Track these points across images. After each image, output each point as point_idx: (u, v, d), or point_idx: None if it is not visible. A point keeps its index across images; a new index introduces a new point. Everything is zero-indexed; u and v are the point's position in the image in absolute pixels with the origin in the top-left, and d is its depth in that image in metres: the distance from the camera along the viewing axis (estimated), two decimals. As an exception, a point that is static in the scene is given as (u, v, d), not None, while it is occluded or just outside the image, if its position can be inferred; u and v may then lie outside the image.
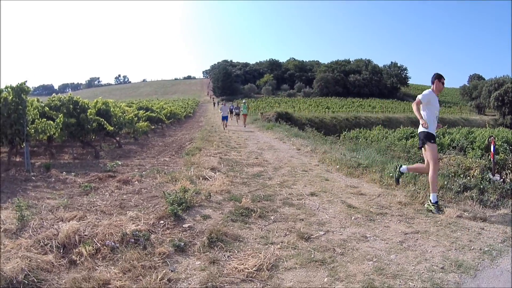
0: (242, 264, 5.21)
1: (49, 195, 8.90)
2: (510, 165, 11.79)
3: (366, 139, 29.89)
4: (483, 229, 7.34)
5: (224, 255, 5.60)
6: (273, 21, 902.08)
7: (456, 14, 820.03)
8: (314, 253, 5.80)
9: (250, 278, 4.94)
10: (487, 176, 10.21)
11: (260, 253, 5.59)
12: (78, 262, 5.16)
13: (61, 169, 11.85)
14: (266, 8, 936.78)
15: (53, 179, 10.65)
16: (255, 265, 5.16)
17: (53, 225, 6.34)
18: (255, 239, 6.36)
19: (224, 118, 33.77)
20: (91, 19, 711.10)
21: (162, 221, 6.75)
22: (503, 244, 6.62)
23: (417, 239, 6.66)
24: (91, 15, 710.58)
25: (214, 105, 78.10)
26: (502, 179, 10.27)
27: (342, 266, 5.41)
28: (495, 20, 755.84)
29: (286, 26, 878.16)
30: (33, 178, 10.76)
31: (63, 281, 4.75)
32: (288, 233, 6.69)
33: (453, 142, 27.35)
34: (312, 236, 6.52)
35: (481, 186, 9.58)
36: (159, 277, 4.79)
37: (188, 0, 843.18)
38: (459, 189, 9.60)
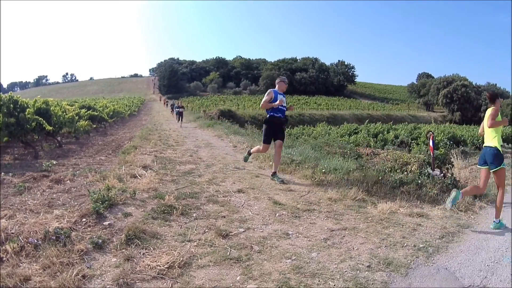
0: (155, 261, 5.27)
1: (-15, 196, 8.83)
2: (451, 159, 11.77)
3: (309, 136, 30.12)
4: (419, 225, 7.34)
5: (140, 252, 5.60)
6: (220, 19, 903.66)
7: (403, 12, 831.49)
8: (230, 250, 5.77)
9: (161, 276, 4.98)
10: (426, 171, 10.33)
11: (175, 251, 5.61)
12: (4, 259, 5.27)
13: (0, 170, 11.67)
14: (214, 6, 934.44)
15: (-9, 180, 10.53)
16: (167, 263, 5.21)
17: (-17, 224, 6.36)
18: (173, 236, 6.35)
19: None
20: (38, 16, 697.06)
21: (84, 219, 6.74)
22: (441, 240, 6.62)
23: (343, 236, 6.58)
24: (38, 13, 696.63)
25: (166, 106, 75.91)
26: (442, 174, 10.36)
27: (257, 264, 5.38)
28: (445, 18, 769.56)
29: (234, 24, 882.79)
30: (-28, 179, 10.63)
31: (-10, 276, 4.85)
32: (207, 230, 6.66)
33: (397, 139, 27.89)
34: (231, 233, 6.48)
35: (419, 181, 9.67)
36: (74, 273, 4.85)
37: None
38: (395, 184, 9.64)
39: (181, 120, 36.78)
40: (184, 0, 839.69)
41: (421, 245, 6.26)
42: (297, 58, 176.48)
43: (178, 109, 38.55)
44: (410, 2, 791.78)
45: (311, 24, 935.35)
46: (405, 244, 6.28)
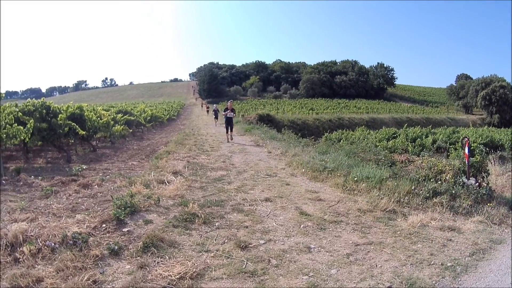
0: (168, 271, 5.22)
1: (12, 198, 9.08)
2: (487, 167, 10.99)
3: (347, 140, 29.85)
4: (450, 240, 6.92)
5: (154, 261, 5.56)
6: (260, 23, 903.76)
7: (444, 14, 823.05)
8: (247, 263, 5.64)
9: (171, 286, 4.91)
10: (461, 180, 9.79)
11: (190, 261, 5.54)
12: (20, 260, 5.45)
13: (32, 173, 11.92)
14: (253, 10, 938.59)
15: (21, 183, 10.78)
16: (179, 273, 5.15)
17: (7, 225, 6.53)
18: (191, 246, 6.28)
19: None
20: (78, 21, 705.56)
21: (104, 225, 6.80)
22: (471, 257, 6.17)
23: (368, 252, 6.29)
24: (79, 18, 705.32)
25: (207, 112, 69.92)
26: (477, 183, 9.70)
27: (272, 279, 5.21)
28: (484, 19, 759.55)
29: (273, 28, 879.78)
30: (3, 181, 10.94)
31: (5, 276, 5.02)
32: (227, 241, 6.55)
33: (435, 143, 27.36)
34: (250, 245, 6.34)
35: (453, 191, 9.16)
36: (85, 278, 4.90)
37: (176, 2, 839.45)
38: (428, 195, 9.19)
39: (231, 131, 24.34)
40: (223, 1, 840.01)
41: (449, 264, 5.86)
42: (337, 61, 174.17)
43: (226, 114, 24.31)
44: (450, 2, 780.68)
45: (350, 27, 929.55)
46: (432, 262, 5.90)
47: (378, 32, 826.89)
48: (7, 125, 12.68)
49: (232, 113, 25.16)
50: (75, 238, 5.97)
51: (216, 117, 43.43)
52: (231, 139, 23.99)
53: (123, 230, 6.72)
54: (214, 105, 59.92)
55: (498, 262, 6.03)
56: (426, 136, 31.40)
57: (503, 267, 5.83)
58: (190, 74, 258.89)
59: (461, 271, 5.64)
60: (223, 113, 25.57)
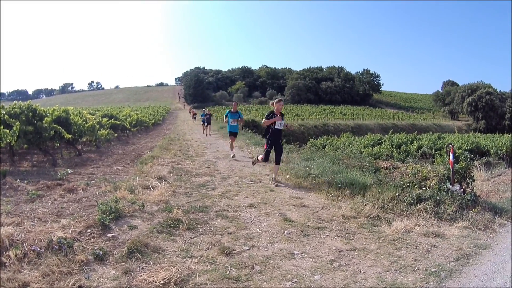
0: (152, 276, 5.22)
1: (-2, 202, 8.96)
2: (472, 174, 10.95)
3: (333, 146, 29.90)
4: (434, 245, 6.95)
5: (139, 267, 5.55)
6: (246, 29, 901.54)
7: (431, 20, 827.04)
8: (230, 269, 5.62)
9: None
10: (445, 186, 9.90)
11: (174, 267, 5.53)
12: (7, 264, 5.41)
13: (17, 177, 11.85)
14: (240, 15, 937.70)
15: (7, 186, 10.68)
16: (164, 279, 5.14)
17: (-8, 229, 6.52)
18: (175, 251, 6.26)
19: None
20: (66, 24, 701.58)
21: (89, 230, 6.77)
22: (456, 263, 6.19)
23: (352, 258, 6.28)
24: (66, 20, 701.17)
25: (194, 119, 61.22)
26: (462, 189, 9.88)
27: (256, 285, 5.20)
28: (471, 26, 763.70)
29: (259, 33, 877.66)
30: (-11, 185, 10.79)
31: (-8, 280, 4.96)
32: (210, 247, 6.53)
33: (420, 149, 27.51)
34: (234, 251, 6.33)
35: (438, 198, 9.19)
36: (71, 283, 4.91)
37: (163, 6, 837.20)
38: (412, 201, 9.22)
39: (277, 163, 12.61)
40: (210, 6, 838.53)
41: (433, 269, 5.86)
42: (323, 67, 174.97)
43: (274, 123, 12.64)
44: (437, 9, 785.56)
45: (336, 33, 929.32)
46: (416, 268, 5.91)
47: (365, 39, 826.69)
48: (-6, 128, 12.66)
49: (283, 122, 12.98)
50: (60, 243, 5.97)
51: (209, 123, 34.74)
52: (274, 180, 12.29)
53: (108, 235, 6.71)
54: (205, 108, 46.51)
55: (483, 267, 6.08)
56: (411, 142, 31.67)
57: (488, 272, 5.87)
58: (176, 79, 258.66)
59: (446, 276, 5.66)
60: (265, 120, 12.68)
